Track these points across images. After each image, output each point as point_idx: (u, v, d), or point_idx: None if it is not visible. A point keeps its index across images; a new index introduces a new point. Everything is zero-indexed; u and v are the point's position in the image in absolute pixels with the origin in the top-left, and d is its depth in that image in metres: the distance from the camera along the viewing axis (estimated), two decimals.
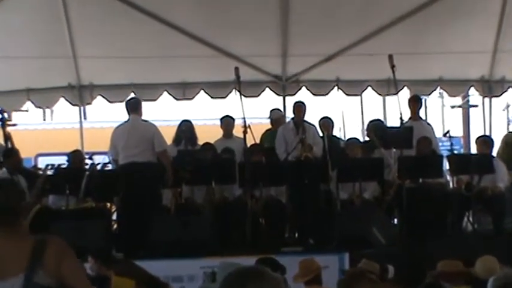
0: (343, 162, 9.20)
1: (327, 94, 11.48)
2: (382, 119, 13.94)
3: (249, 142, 8.92)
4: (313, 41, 10.43)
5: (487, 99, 11.61)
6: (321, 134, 9.73)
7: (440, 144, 10.87)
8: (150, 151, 8.58)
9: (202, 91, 11.18)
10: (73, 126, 12.43)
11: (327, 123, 10.39)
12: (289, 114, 10.50)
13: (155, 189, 8.62)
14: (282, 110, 11.03)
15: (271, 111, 10.70)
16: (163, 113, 14.77)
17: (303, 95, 11.30)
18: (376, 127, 10.10)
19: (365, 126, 13.00)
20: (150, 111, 9.11)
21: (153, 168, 8.60)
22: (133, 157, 8.55)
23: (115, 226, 9.18)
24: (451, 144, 9.59)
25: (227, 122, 10.18)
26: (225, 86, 10.94)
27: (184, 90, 11.15)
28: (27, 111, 13.79)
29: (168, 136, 9.52)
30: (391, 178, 9.32)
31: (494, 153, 9.75)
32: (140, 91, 10.89)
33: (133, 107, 8.92)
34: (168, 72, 10.87)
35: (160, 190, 8.76)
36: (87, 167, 9.21)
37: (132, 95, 10.89)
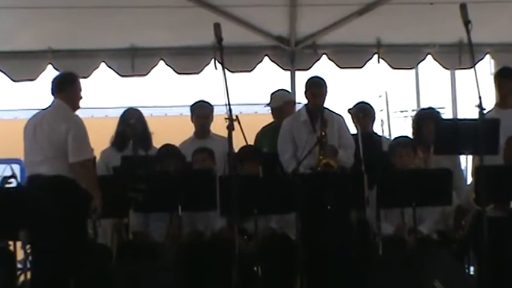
0: (388, 176, 9.30)
1: (362, 67, 11.66)
2: (449, 105, 13.93)
3: (237, 144, 8.94)
4: None
5: None
6: (352, 131, 9.81)
7: None
8: (62, 160, 8.52)
9: (162, 62, 11.35)
10: None
11: (362, 112, 10.47)
12: (301, 99, 10.50)
13: (73, 219, 8.45)
14: (289, 91, 11.13)
15: (272, 94, 10.76)
16: (101, 97, 14.82)
17: (324, 68, 11.46)
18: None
19: None
20: None
21: (68, 187, 8.52)
22: (37, 166, 8.57)
23: (22, 277, 9.30)
24: None
25: (202, 111, 10.32)
26: (199, 54, 11.14)
27: (133, 61, 11.31)
28: None
29: (108, 134, 9.60)
30: (464, 202, 9.39)
31: None
32: (63, 62, 11.00)
33: (58, 86, 8.81)
34: (108, 33, 10.99)
35: (85, 222, 8.68)
36: None
37: (50, 68, 11.02)
